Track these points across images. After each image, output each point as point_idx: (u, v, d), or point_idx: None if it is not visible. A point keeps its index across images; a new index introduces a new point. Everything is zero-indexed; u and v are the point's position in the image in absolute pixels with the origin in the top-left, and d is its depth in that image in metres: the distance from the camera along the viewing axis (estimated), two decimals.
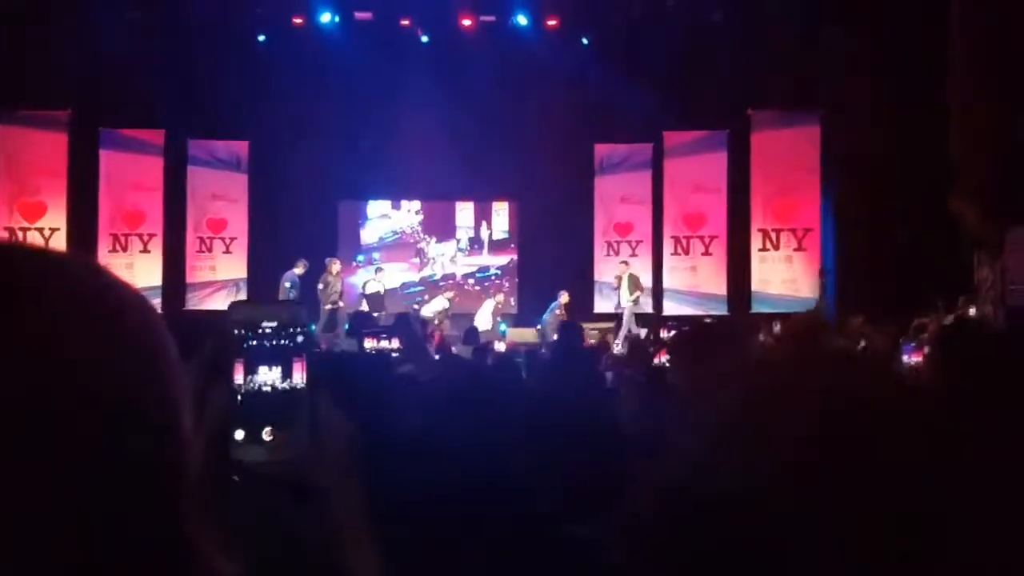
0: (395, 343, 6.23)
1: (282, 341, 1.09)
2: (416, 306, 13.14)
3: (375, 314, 11.52)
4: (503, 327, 12.96)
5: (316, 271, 12.23)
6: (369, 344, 6.34)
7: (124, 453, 0.58)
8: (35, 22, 11.95)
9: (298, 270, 12.04)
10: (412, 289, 14.23)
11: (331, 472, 1.04)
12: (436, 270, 14.43)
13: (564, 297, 12.29)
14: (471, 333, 9.37)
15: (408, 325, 7.66)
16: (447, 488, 1.89)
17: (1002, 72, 9.61)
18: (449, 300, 13.34)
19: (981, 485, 0.55)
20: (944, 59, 10.48)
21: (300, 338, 1.09)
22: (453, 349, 8.29)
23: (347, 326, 10.32)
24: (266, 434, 1.04)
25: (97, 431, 0.57)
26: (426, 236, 14.47)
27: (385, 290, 13.36)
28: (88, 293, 0.61)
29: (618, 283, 12.71)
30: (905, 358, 4.95)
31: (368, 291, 13.16)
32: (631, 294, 12.49)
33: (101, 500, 0.57)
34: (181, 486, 0.62)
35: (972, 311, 7.84)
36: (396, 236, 14.47)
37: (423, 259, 14.45)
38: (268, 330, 1.09)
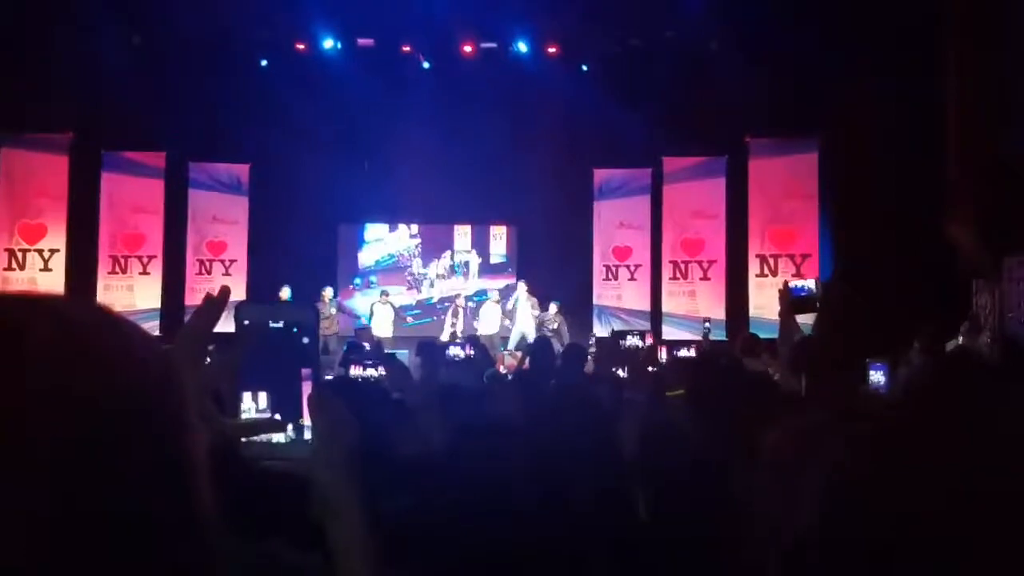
0: (380, 371, 6.20)
1: (286, 350, 1.07)
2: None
3: (366, 345, 11.51)
4: (501, 348, 12.94)
5: (305, 294, 12.25)
6: (355, 372, 6.35)
7: (132, 485, 0.58)
8: (37, 45, 12.03)
9: (283, 295, 12.19)
10: (410, 312, 14.23)
11: (336, 470, 1.04)
12: (434, 293, 14.44)
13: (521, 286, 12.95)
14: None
15: (392, 355, 7.57)
16: (447, 516, 1.88)
17: (997, 96, 9.69)
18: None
19: None
20: (941, 84, 10.58)
21: (306, 340, 1.08)
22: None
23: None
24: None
25: (106, 464, 0.57)
26: (423, 259, 14.50)
27: (397, 308, 13.48)
28: (87, 335, 0.60)
29: (512, 303, 13.03)
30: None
31: (376, 315, 13.22)
32: (533, 309, 12.94)
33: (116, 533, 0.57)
34: (192, 517, 0.61)
35: (961, 340, 7.82)
36: (393, 259, 14.50)
37: (418, 282, 14.46)
38: (276, 331, 1.07)
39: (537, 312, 12.98)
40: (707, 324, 12.72)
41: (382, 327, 12.94)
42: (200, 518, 0.61)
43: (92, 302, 0.67)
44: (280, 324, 1.09)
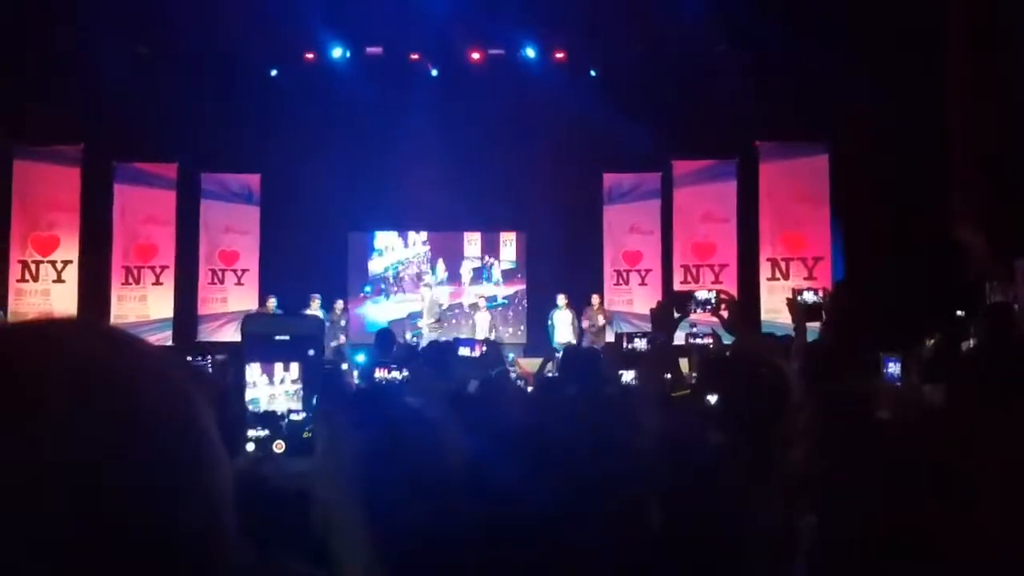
0: (404, 373, 6.21)
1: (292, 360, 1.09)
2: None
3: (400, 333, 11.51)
4: (511, 355, 12.92)
5: (298, 302, 12.25)
6: (379, 375, 6.35)
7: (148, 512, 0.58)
8: (46, 56, 12.12)
9: (270, 305, 12.33)
10: (418, 319, 14.24)
11: (337, 487, 1.05)
12: (443, 300, 14.45)
13: (595, 299, 12.85)
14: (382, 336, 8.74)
15: (415, 356, 7.60)
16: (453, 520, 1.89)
17: (1000, 96, 9.65)
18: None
19: None
20: (946, 86, 10.55)
21: (312, 351, 1.09)
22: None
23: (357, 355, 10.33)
24: (276, 447, 1.06)
25: (125, 490, 0.57)
26: (433, 266, 14.51)
27: (429, 304, 13.52)
28: (96, 361, 0.60)
29: (424, 310, 13.23)
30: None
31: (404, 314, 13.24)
32: (431, 317, 13.17)
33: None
34: (216, 538, 0.62)
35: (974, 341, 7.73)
36: (403, 266, 14.52)
37: (423, 287, 14.48)
38: (281, 344, 1.08)
39: (433, 317, 13.16)
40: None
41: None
42: (224, 540, 0.62)
43: (106, 326, 0.67)
44: (286, 337, 1.10)
